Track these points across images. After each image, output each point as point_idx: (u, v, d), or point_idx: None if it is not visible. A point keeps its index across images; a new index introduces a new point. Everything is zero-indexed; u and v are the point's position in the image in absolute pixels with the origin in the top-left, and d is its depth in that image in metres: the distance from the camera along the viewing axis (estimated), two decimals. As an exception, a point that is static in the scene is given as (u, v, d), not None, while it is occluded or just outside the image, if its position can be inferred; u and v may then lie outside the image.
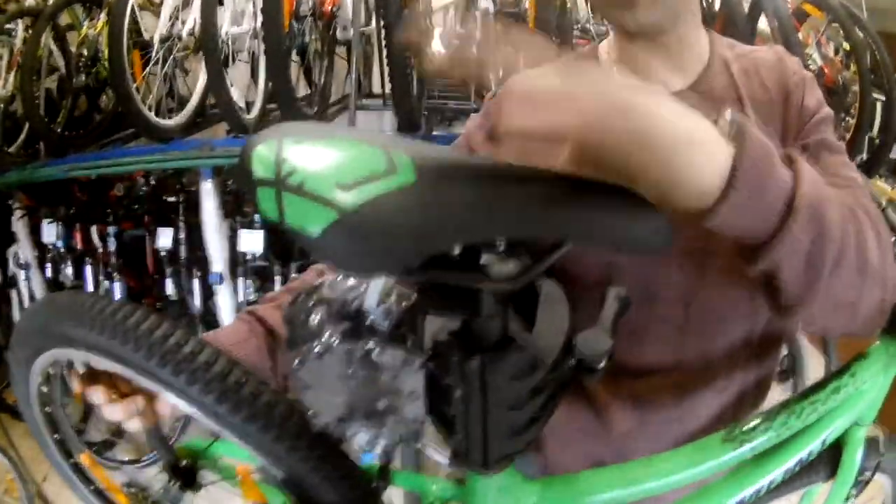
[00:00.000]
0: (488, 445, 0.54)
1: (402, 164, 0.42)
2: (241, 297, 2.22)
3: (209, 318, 2.36)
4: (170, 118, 2.53)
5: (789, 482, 0.65)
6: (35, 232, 2.92)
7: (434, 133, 2.14)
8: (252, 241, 2.21)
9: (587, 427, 0.82)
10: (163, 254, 2.41)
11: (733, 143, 0.45)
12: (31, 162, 2.91)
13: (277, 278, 2.26)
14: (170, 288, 2.39)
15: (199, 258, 2.34)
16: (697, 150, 0.44)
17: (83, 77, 2.83)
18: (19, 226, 3.00)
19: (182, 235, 2.42)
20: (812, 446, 0.63)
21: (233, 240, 2.26)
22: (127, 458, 2.61)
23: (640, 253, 0.56)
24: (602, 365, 0.54)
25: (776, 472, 0.62)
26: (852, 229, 0.53)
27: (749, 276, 0.53)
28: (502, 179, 0.47)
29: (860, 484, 0.73)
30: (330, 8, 2.61)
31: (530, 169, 0.48)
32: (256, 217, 2.25)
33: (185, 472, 0.92)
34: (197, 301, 2.35)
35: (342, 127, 0.56)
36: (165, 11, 2.42)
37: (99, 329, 0.64)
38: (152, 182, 2.45)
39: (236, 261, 2.26)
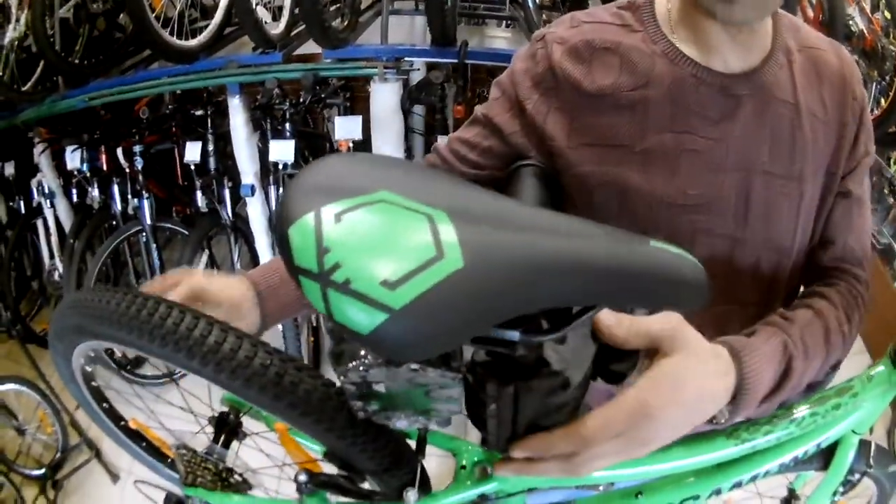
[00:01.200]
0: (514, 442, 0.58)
1: (450, 247, 0.41)
2: (273, 206, 2.19)
3: (241, 228, 2.35)
4: (192, 37, 2.46)
5: (785, 469, 0.73)
6: (59, 159, 2.91)
7: (470, 49, 2.07)
8: (283, 151, 2.17)
9: None
10: (192, 167, 2.37)
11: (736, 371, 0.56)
12: (49, 96, 2.87)
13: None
14: (200, 200, 2.36)
15: (228, 168, 2.31)
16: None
17: (100, 3, 2.77)
18: (42, 158, 3.00)
19: (210, 147, 2.39)
20: (808, 448, 0.68)
21: (262, 150, 2.23)
22: (155, 374, 2.61)
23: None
24: (630, 376, 0.55)
25: (772, 464, 0.68)
26: (818, 369, 0.65)
27: None
28: (547, 255, 0.45)
29: (848, 483, 0.80)
30: None
31: (573, 238, 0.47)
32: (288, 126, 2.21)
33: (229, 423, 0.96)
34: (229, 212, 2.32)
35: (381, 162, 0.55)
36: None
37: (127, 328, 0.67)
38: (178, 92, 2.40)
39: (267, 170, 2.23)
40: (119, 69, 2.84)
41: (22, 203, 3.19)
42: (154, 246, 2.50)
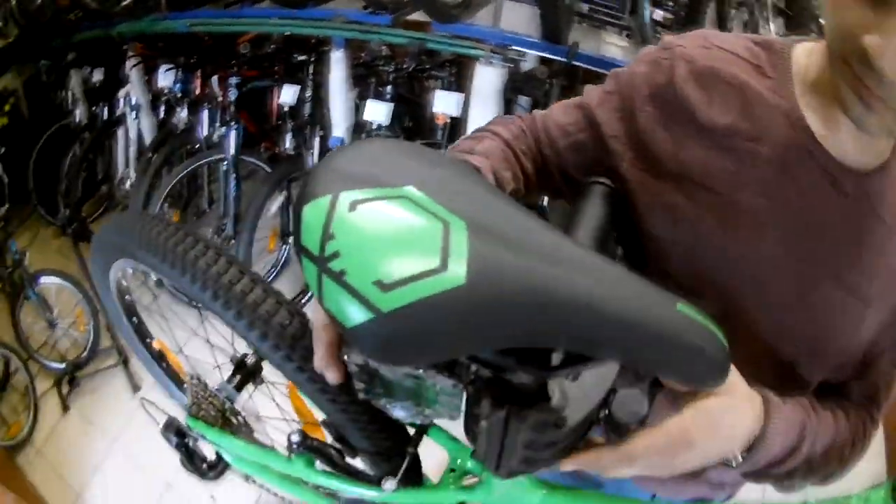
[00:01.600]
0: (501, 464, 0.57)
1: (456, 257, 0.39)
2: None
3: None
4: (305, -17, 2.50)
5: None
6: (150, 75, 3.01)
7: (580, 51, 2.08)
8: (377, 112, 2.21)
9: None
10: (285, 109, 2.43)
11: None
12: (149, 15, 2.92)
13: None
14: (288, 142, 2.42)
15: (321, 117, 2.36)
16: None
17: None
18: (133, 72, 3.08)
19: (307, 94, 2.43)
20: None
21: (359, 106, 2.27)
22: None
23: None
24: (633, 428, 0.54)
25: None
26: (806, 470, 0.66)
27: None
28: (558, 293, 0.42)
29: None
30: None
31: (592, 281, 0.44)
32: (388, 89, 2.25)
33: (248, 366, 0.99)
34: (315, 159, 2.38)
35: (421, 156, 0.49)
36: None
37: (163, 258, 0.72)
38: (287, 34, 2.45)
39: (360, 127, 2.27)
40: (225, 1, 2.90)
41: (105, 110, 3.28)
42: (234, 176, 2.54)
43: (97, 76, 3.40)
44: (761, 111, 0.65)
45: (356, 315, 0.39)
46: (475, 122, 2.13)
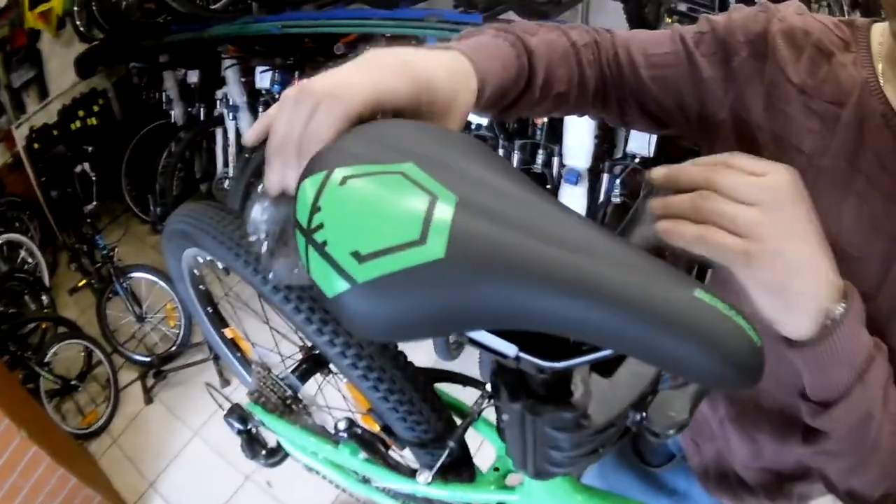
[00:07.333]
0: (526, 462, 0.55)
1: (437, 232, 0.37)
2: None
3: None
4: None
5: None
6: (248, 76, 3.09)
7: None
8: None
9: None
10: None
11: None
12: (241, 17, 2.98)
13: (500, 152, 2.27)
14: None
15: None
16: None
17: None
18: (229, 73, 3.19)
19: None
20: None
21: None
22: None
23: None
24: (670, 434, 0.50)
25: None
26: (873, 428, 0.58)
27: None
28: (547, 271, 0.37)
29: None
30: None
31: (590, 259, 0.38)
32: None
33: (316, 357, 0.99)
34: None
35: (437, 137, 0.46)
36: None
37: (220, 245, 0.75)
38: (386, 36, 2.48)
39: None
40: (317, 3, 2.95)
41: (202, 110, 3.37)
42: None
43: (192, 77, 3.47)
44: (844, 78, 0.66)
45: (336, 285, 0.39)
46: (573, 121, 2.13)
